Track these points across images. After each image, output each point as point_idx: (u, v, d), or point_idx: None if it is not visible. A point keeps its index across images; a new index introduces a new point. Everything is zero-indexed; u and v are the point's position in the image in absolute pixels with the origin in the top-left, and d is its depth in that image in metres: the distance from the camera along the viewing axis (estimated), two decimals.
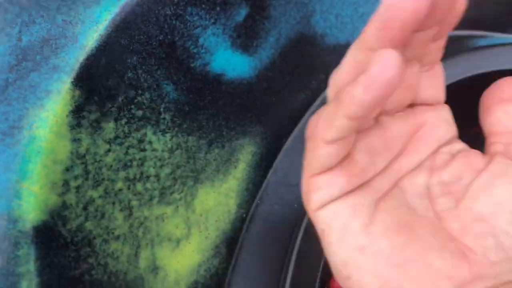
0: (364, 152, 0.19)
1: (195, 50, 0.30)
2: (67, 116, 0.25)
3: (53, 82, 0.25)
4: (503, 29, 0.42)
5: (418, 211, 0.20)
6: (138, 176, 0.28)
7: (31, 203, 0.24)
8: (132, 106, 0.28)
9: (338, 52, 0.37)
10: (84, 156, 0.26)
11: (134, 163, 0.28)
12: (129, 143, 0.28)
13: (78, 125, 0.25)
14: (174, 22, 0.29)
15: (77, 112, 0.25)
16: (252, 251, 0.33)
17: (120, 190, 0.28)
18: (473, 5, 0.37)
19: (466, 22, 0.39)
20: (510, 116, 0.20)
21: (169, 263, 0.30)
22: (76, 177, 0.26)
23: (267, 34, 0.34)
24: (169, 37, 0.29)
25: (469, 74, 0.37)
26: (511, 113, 0.20)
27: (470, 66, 0.38)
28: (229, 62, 0.32)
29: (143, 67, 0.28)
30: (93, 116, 0.26)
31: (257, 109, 0.34)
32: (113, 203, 0.27)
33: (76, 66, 0.25)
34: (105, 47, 0.26)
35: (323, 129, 0.18)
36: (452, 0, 0.17)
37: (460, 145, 0.21)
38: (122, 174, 0.28)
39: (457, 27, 0.39)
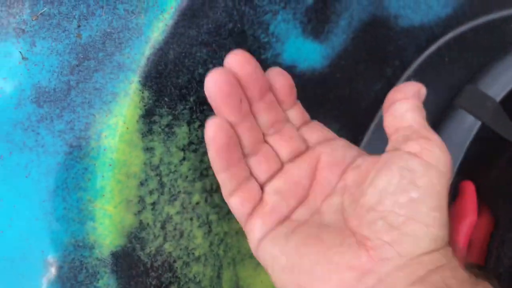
0: (272, 195, 0.22)
1: (266, 40, 0.26)
2: (137, 121, 0.21)
3: (119, 83, 0.21)
4: None
5: (333, 224, 0.22)
6: (215, 187, 0.25)
7: (107, 226, 0.20)
8: (205, 107, 0.24)
9: (412, 35, 0.33)
10: (158, 167, 0.22)
11: (210, 171, 0.24)
12: (204, 149, 0.24)
13: (150, 131, 0.22)
14: (243, 7, 0.25)
15: (148, 116, 0.22)
16: None
17: (197, 203, 0.24)
18: None
19: None
20: (397, 114, 0.22)
21: (253, 283, 0.26)
22: (151, 192, 0.22)
23: (338, 18, 0.30)
24: (238, 25, 0.25)
25: None
26: (398, 111, 0.22)
27: None
28: (301, 51, 0.28)
29: (214, 60, 0.24)
30: (164, 121, 0.22)
31: (331, 103, 0.30)
32: (191, 219, 0.24)
33: (143, 62, 0.22)
34: (172, 39, 0.23)
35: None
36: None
37: (366, 158, 0.23)
38: (198, 184, 0.24)
39: None
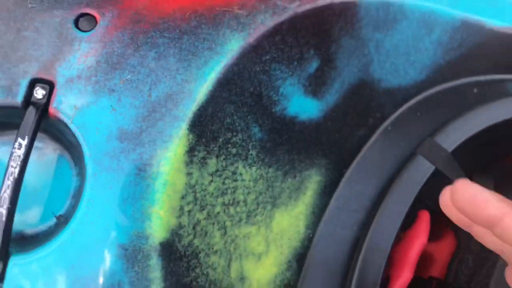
0: None
1: (276, 98, 0.37)
2: (183, 155, 0.32)
3: (174, 129, 0.32)
4: None
5: None
6: (231, 202, 0.35)
7: (158, 224, 0.30)
8: (229, 145, 0.34)
9: (391, 94, 0.43)
10: (194, 186, 0.32)
11: (229, 191, 0.35)
12: (226, 174, 0.34)
13: (191, 162, 0.32)
14: (261, 76, 0.35)
15: (191, 151, 0.32)
16: (317, 267, 0.39)
17: (218, 213, 0.34)
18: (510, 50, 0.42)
19: (503, 67, 0.44)
20: None
21: (253, 274, 0.36)
22: (188, 203, 0.32)
23: (333, 82, 0.40)
24: (257, 89, 0.35)
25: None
26: None
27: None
28: (302, 106, 0.38)
29: (238, 114, 0.34)
30: (201, 154, 0.33)
31: (323, 144, 0.40)
32: (213, 224, 0.34)
33: (190, 115, 0.32)
34: (211, 100, 0.33)
35: None
36: None
37: None
38: (220, 200, 0.34)
39: (495, 72, 0.44)
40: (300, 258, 0.39)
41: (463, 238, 0.53)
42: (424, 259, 0.48)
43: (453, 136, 0.41)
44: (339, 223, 0.40)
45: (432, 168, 0.40)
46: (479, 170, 0.49)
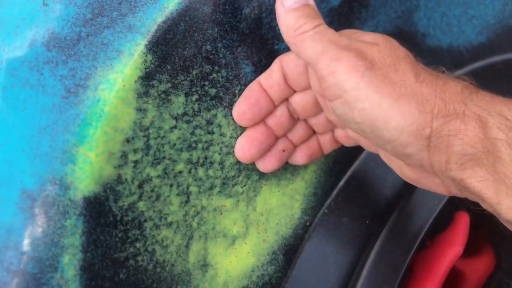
0: None
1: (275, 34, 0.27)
2: (135, 81, 0.23)
3: (126, 42, 0.22)
4: None
5: None
6: (201, 160, 0.26)
7: (85, 171, 0.22)
8: (206, 83, 0.25)
9: (439, 56, 0.33)
10: (147, 129, 0.23)
11: (199, 145, 0.25)
12: (197, 122, 0.25)
13: (146, 94, 0.23)
14: None
15: (147, 79, 0.23)
16: (313, 264, 0.30)
17: (180, 172, 0.25)
18: None
19: None
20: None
21: (220, 262, 0.27)
22: (135, 151, 0.23)
23: (362, 25, 0.30)
24: (256, 11, 0.26)
25: None
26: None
27: None
28: None
29: (224, 41, 0.25)
30: (163, 87, 0.23)
31: None
32: (171, 186, 0.25)
33: (153, 28, 0.23)
34: (186, 12, 0.24)
35: None
36: None
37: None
38: (185, 155, 0.25)
39: None
40: (289, 250, 0.30)
41: (505, 258, 0.43)
42: (453, 277, 0.38)
43: None
44: (348, 212, 0.30)
45: None
46: None
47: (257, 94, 0.26)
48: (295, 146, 0.28)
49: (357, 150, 0.31)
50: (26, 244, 0.21)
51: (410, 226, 0.29)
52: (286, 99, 0.27)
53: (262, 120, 0.26)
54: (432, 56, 0.33)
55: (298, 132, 0.27)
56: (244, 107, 0.26)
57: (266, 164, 0.27)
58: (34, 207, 0.21)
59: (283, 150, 0.27)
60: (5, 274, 0.21)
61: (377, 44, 0.23)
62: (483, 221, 0.39)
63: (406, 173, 0.24)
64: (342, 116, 0.23)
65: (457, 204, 0.33)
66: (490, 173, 0.20)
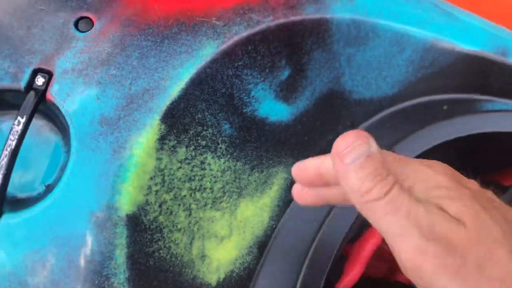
0: None
1: (247, 100, 0.41)
2: (155, 142, 0.37)
3: (148, 119, 0.37)
4: (510, 96, 0.49)
5: None
6: (198, 187, 0.40)
7: (126, 198, 0.36)
8: (199, 138, 0.39)
9: (363, 105, 0.47)
10: (163, 170, 0.37)
11: (196, 178, 0.39)
12: (194, 163, 0.39)
13: (162, 148, 0.37)
14: (233, 79, 0.40)
15: (162, 139, 0.37)
16: (277, 254, 0.43)
17: (184, 196, 0.39)
18: (479, 72, 0.45)
19: (473, 88, 0.47)
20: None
21: (214, 254, 0.41)
22: (156, 184, 0.37)
23: (304, 90, 0.44)
24: (229, 90, 0.40)
25: (472, 132, 0.45)
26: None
27: (474, 126, 0.46)
28: (273, 109, 0.43)
29: (209, 110, 0.39)
30: (171, 143, 0.38)
31: (292, 145, 0.45)
32: (179, 205, 0.39)
33: (164, 108, 0.37)
34: (184, 96, 0.38)
35: None
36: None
37: None
38: (187, 185, 0.39)
39: (465, 91, 0.47)
40: (261, 245, 0.43)
41: None
42: (394, 262, 0.51)
43: (412, 147, 0.44)
44: (301, 217, 0.44)
45: None
46: None
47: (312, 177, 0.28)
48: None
49: None
50: (95, 243, 0.35)
51: (336, 227, 0.42)
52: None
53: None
54: (358, 106, 0.47)
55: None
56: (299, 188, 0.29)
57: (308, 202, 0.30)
58: (97, 222, 0.35)
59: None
60: (83, 262, 0.35)
61: (464, 224, 0.20)
62: None
63: None
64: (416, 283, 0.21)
65: None
66: None
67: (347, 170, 0.22)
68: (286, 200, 0.45)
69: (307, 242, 0.43)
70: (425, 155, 0.44)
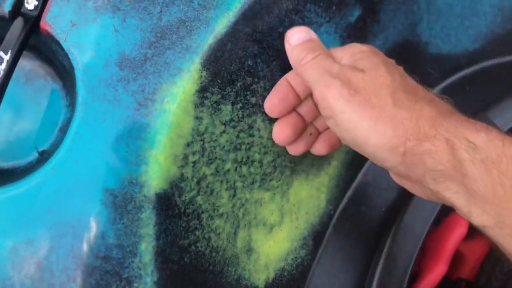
0: None
1: None
2: (193, 94, 0.27)
3: (185, 61, 0.26)
4: None
5: None
6: (245, 160, 0.30)
7: (156, 171, 0.25)
8: (248, 92, 0.29)
9: (440, 61, 0.37)
10: (203, 134, 0.27)
11: (243, 146, 0.29)
12: (241, 127, 0.29)
13: (202, 104, 0.27)
14: (294, 16, 0.30)
15: (202, 92, 0.27)
16: (337, 249, 0.34)
17: (228, 170, 0.29)
18: None
19: None
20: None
21: (262, 246, 0.31)
22: (194, 153, 0.27)
23: (374, 37, 0.34)
24: (287, 30, 0.30)
25: None
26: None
27: None
28: None
29: (262, 56, 0.29)
30: (214, 98, 0.28)
31: None
32: (221, 182, 0.29)
33: (206, 48, 0.27)
34: (232, 34, 0.28)
35: None
36: None
37: None
38: (232, 155, 0.29)
39: None
40: (317, 236, 0.34)
41: None
42: (454, 258, 0.42)
43: (508, 114, 0.35)
44: (365, 201, 0.35)
45: None
46: None
47: (285, 89, 0.29)
48: (319, 133, 0.31)
49: None
50: (110, 234, 0.25)
51: (421, 214, 0.33)
52: (310, 94, 0.30)
53: (291, 111, 0.30)
54: (434, 62, 0.37)
55: (322, 120, 0.31)
56: (275, 100, 0.29)
57: (298, 147, 0.30)
58: (115, 203, 0.25)
59: (310, 134, 0.31)
60: (94, 259, 0.24)
61: (363, 71, 0.26)
62: None
63: (393, 178, 0.28)
64: (334, 132, 0.27)
65: None
66: (460, 187, 0.24)
67: (292, 48, 0.28)
68: (346, 179, 0.35)
69: (375, 234, 0.34)
70: None
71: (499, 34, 0.38)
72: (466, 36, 0.38)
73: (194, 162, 0.27)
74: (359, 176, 0.35)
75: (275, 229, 0.32)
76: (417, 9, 0.35)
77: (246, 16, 0.28)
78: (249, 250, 0.31)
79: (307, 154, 0.33)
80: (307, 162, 0.33)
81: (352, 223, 0.34)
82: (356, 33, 0.33)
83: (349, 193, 0.35)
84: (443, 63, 0.38)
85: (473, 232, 0.46)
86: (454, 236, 0.34)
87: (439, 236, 0.35)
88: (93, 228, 0.25)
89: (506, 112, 0.35)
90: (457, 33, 0.38)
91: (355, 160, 0.35)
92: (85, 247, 0.25)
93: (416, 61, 0.37)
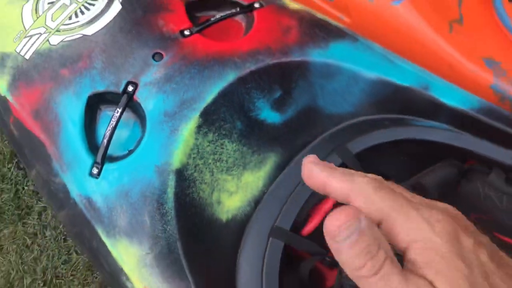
0: None
1: (252, 108, 0.66)
2: (195, 128, 0.62)
3: (192, 114, 0.62)
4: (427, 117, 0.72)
5: None
6: (218, 159, 0.64)
7: (176, 159, 0.61)
8: (221, 128, 0.64)
9: (330, 118, 0.71)
10: (198, 145, 0.62)
11: (217, 153, 0.64)
12: (217, 144, 0.64)
13: (198, 132, 0.62)
14: (245, 95, 0.65)
15: (199, 127, 0.62)
16: (265, 208, 0.67)
17: (210, 163, 0.64)
18: (408, 100, 0.69)
19: (404, 110, 0.71)
20: None
21: (226, 201, 0.65)
22: (194, 153, 0.62)
23: (290, 105, 0.68)
24: (241, 101, 0.65)
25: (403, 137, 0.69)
26: None
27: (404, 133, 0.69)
28: (269, 115, 0.68)
29: (228, 112, 0.64)
30: (204, 130, 0.63)
31: (281, 140, 0.69)
32: (206, 168, 0.63)
33: (202, 108, 0.62)
34: (214, 103, 0.63)
35: None
36: None
37: None
38: (212, 156, 0.64)
39: (400, 113, 0.71)
40: (256, 202, 0.67)
41: None
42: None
43: (357, 145, 0.68)
44: (282, 186, 0.68)
45: (339, 161, 0.67)
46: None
47: None
48: None
49: (290, 160, 0.70)
50: (156, 183, 0.60)
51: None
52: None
53: None
54: (327, 118, 0.71)
55: None
56: None
57: None
58: (159, 171, 0.60)
59: None
60: (148, 193, 0.60)
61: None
62: None
63: None
64: None
65: None
66: None
67: (339, 248, 0.23)
68: (274, 175, 0.69)
69: (284, 198, 0.67)
70: (373, 149, 0.68)
71: (364, 104, 0.72)
72: (346, 104, 0.71)
73: (194, 157, 0.62)
74: (281, 175, 0.69)
75: (233, 194, 0.66)
76: (314, 91, 0.69)
77: (221, 95, 0.64)
78: (219, 202, 0.65)
79: (252, 160, 0.67)
80: (252, 164, 0.67)
81: (274, 197, 0.68)
82: (279, 103, 0.68)
83: (275, 182, 0.68)
84: (333, 118, 0.71)
85: None
86: (326, 204, 0.66)
87: (320, 204, 0.67)
88: (149, 181, 0.60)
89: (355, 144, 0.68)
90: (340, 103, 0.71)
91: (280, 166, 0.69)
92: (146, 188, 0.60)
93: (316, 117, 0.70)
